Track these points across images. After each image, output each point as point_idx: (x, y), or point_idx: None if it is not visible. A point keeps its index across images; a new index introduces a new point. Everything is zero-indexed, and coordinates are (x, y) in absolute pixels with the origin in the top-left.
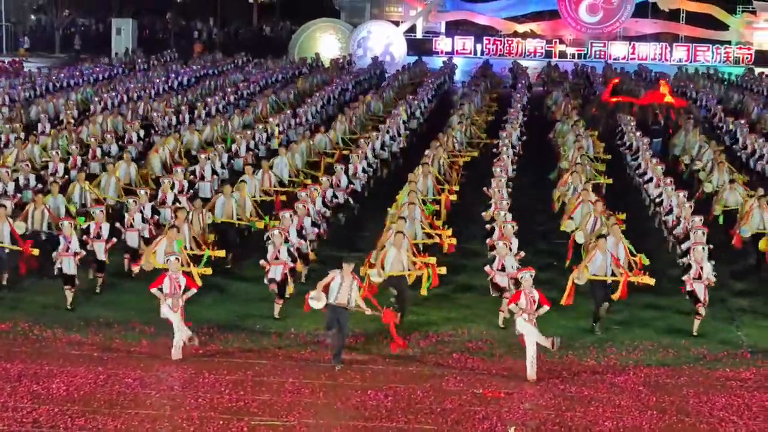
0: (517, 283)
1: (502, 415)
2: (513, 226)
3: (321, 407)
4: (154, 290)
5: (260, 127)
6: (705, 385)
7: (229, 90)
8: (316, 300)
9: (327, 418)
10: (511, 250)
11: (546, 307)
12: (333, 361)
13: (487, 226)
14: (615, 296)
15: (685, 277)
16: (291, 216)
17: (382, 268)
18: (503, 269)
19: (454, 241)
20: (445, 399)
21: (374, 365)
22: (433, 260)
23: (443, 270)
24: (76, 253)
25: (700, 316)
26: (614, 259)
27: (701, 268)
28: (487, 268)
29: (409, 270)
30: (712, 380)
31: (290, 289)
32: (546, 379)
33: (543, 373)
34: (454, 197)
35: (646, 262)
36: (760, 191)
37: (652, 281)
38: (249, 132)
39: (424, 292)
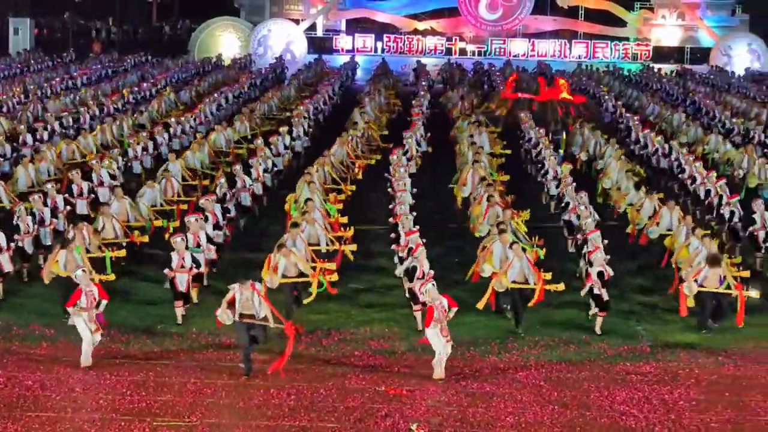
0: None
1: (405, 412)
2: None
3: (223, 407)
4: (71, 309)
5: (159, 128)
6: (606, 380)
7: (126, 90)
8: (223, 317)
9: (229, 417)
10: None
11: (454, 309)
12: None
13: (392, 235)
14: (532, 302)
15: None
16: (198, 220)
17: (275, 273)
18: (423, 276)
19: (354, 247)
20: (347, 397)
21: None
22: (332, 266)
23: (335, 276)
24: None
25: (603, 314)
26: (531, 264)
27: (599, 272)
28: (409, 284)
29: (304, 275)
30: (612, 374)
31: (195, 293)
32: (448, 376)
33: (445, 370)
34: (339, 206)
35: (540, 254)
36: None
37: (561, 287)
38: (144, 134)
39: (314, 291)
